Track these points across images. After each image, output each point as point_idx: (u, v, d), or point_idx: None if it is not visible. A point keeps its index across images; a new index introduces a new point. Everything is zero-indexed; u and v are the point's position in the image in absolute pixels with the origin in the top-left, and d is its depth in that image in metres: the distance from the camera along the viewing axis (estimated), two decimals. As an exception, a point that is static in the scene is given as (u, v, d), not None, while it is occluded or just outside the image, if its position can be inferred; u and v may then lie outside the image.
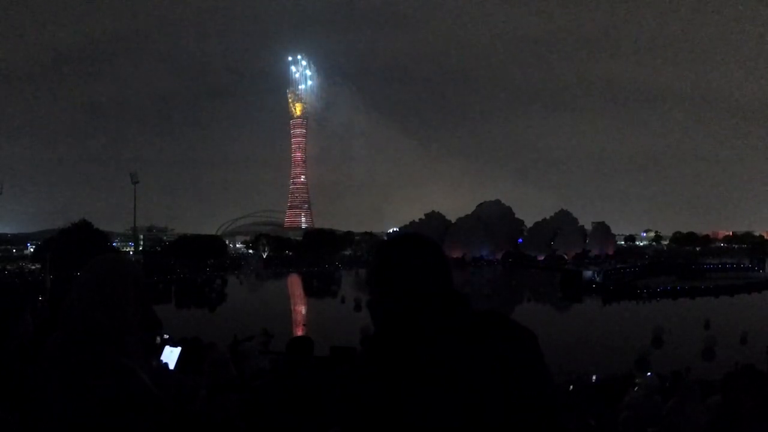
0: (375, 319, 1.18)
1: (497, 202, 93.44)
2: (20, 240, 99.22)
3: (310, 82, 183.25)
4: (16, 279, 47.29)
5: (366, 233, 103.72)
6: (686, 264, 64.36)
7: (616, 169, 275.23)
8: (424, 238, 1.22)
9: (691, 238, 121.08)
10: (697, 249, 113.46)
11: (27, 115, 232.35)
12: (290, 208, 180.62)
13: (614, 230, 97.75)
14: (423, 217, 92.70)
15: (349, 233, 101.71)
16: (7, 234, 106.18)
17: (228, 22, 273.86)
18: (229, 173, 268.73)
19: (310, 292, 52.52)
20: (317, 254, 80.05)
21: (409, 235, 1.23)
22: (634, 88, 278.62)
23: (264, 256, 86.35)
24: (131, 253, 77.03)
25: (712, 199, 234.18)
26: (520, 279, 62.67)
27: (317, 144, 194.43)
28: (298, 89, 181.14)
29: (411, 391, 1.04)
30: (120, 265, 1.60)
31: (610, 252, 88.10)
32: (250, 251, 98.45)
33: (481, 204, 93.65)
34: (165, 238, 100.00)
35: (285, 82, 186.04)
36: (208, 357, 3.70)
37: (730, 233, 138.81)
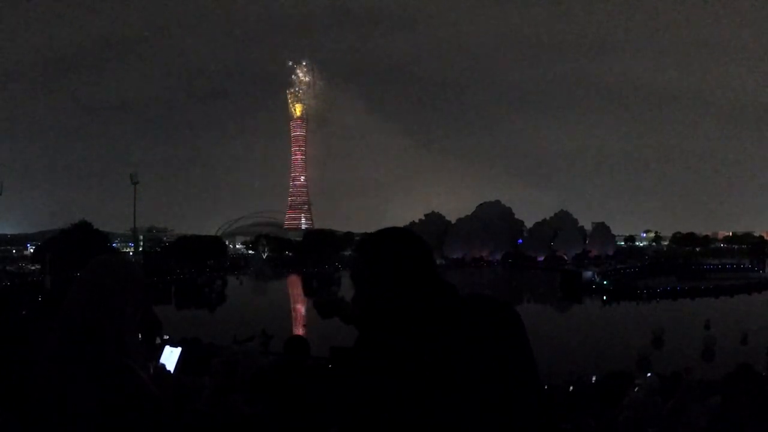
0: (363, 316, 1.18)
1: (497, 202, 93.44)
2: (20, 240, 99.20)
3: (310, 83, 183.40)
4: (16, 280, 47.29)
5: (366, 233, 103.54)
6: (686, 264, 64.44)
7: (616, 169, 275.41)
8: (404, 232, 1.22)
9: (691, 238, 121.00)
10: (697, 249, 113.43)
11: (27, 116, 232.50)
12: (290, 208, 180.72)
13: (614, 230, 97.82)
14: (423, 217, 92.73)
15: (349, 234, 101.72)
16: (7, 234, 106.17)
17: (227, 23, 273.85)
18: (228, 174, 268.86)
19: (309, 292, 52.50)
20: (317, 255, 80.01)
21: (389, 230, 1.23)
22: (634, 89, 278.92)
23: (264, 257, 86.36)
24: (131, 253, 77.02)
25: (712, 199, 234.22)
26: (520, 279, 62.64)
27: (317, 145, 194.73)
28: (298, 90, 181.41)
29: (405, 386, 1.03)
30: (119, 266, 1.61)
31: (610, 252, 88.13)
32: (250, 252, 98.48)
33: (481, 204, 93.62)
34: (165, 238, 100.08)
35: (285, 83, 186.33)
36: (217, 357, 3.71)
37: (730, 233, 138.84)
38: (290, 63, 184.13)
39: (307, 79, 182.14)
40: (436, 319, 1.09)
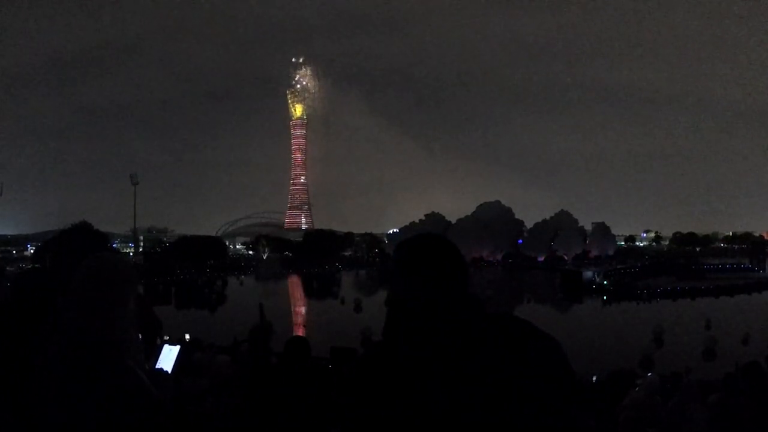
0: (391, 319, 1.16)
1: (497, 202, 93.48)
2: (20, 241, 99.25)
3: (310, 84, 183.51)
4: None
5: (366, 234, 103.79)
6: (686, 264, 64.31)
7: (616, 169, 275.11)
8: (444, 241, 1.21)
9: (691, 238, 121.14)
10: (697, 249, 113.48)
11: (27, 117, 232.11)
12: (290, 209, 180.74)
13: (614, 230, 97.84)
14: (423, 217, 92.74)
15: (349, 234, 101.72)
16: (7, 235, 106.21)
17: (228, 25, 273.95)
18: (228, 174, 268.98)
19: (310, 293, 52.50)
20: (317, 255, 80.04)
21: (427, 236, 1.22)
22: (633, 89, 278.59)
23: (265, 257, 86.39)
24: (131, 254, 77.04)
25: (712, 199, 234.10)
26: (521, 280, 62.65)
27: (318, 145, 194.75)
28: (298, 91, 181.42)
29: (421, 394, 1.02)
30: (114, 264, 1.60)
31: (610, 252, 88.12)
32: (250, 252, 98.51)
33: (481, 205, 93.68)
34: (165, 239, 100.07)
35: (285, 84, 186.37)
36: (209, 358, 3.71)
37: (730, 233, 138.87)
38: (291, 64, 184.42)
39: (307, 80, 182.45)
40: (453, 330, 1.07)
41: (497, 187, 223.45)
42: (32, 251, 74.64)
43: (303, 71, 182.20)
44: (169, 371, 1.74)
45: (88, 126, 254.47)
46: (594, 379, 10.04)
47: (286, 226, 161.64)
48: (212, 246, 76.44)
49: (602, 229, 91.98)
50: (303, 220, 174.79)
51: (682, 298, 41.09)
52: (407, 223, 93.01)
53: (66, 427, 1.41)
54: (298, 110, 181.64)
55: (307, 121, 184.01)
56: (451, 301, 1.12)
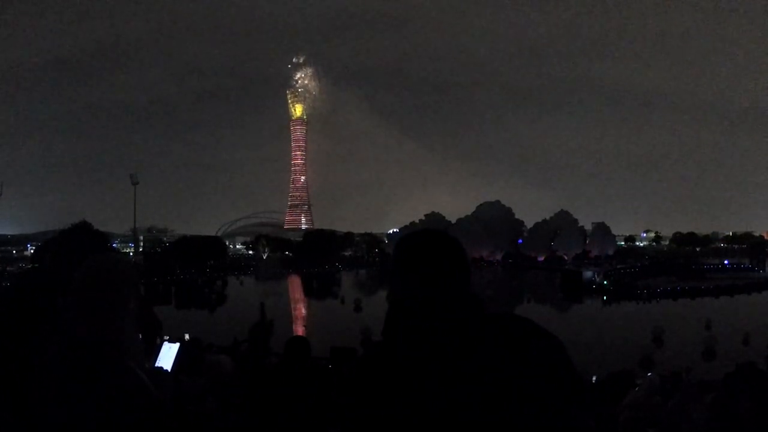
0: (390, 317, 1.14)
1: (497, 202, 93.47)
2: (20, 241, 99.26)
3: (311, 84, 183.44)
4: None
5: (366, 234, 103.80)
6: (686, 264, 64.30)
7: (616, 169, 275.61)
8: (444, 237, 1.19)
9: (691, 238, 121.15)
10: (697, 249, 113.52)
11: (28, 117, 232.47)
12: (290, 209, 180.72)
13: (614, 230, 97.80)
14: (423, 218, 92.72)
15: (349, 234, 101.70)
16: (7, 235, 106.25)
17: (228, 25, 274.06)
18: (229, 174, 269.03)
19: (310, 293, 52.49)
20: (317, 255, 80.00)
21: (426, 233, 1.20)
22: (633, 89, 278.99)
23: (265, 257, 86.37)
24: (131, 254, 77.00)
25: (712, 199, 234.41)
26: (521, 280, 62.66)
27: (318, 145, 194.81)
28: (298, 90, 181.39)
29: (420, 393, 1.01)
30: (114, 264, 1.60)
31: (610, 252, 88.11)
32: (250, 252, 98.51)
33: (481, 205, 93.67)
34: (165, 239, 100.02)
35: (285, 84, 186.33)
36: (206, 358, 3.70)
37: (730, 233, 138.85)
38: (290, 64, 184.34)
39: (307, 80, 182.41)
40: (451, 329, 1.06)
41: (497, 187, 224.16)
42: (32, 251, 74.54)
43: (303, 71, 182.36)
44: (169, 369, 1.74)
45: (88, 126, 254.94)
46: (594, 379, 10.03)
47: (286, 226, 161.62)
48: (212, 246, 76.34)
49: (602, 229, 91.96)
50: (303, 220, 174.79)
51: (682, 298, 41.06)
52: (407, 223, 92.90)
53: (66, 427, 1.41)
54: (298, 110, 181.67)
55: (307, 121, 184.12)
56: (449, 299, 1.11)
